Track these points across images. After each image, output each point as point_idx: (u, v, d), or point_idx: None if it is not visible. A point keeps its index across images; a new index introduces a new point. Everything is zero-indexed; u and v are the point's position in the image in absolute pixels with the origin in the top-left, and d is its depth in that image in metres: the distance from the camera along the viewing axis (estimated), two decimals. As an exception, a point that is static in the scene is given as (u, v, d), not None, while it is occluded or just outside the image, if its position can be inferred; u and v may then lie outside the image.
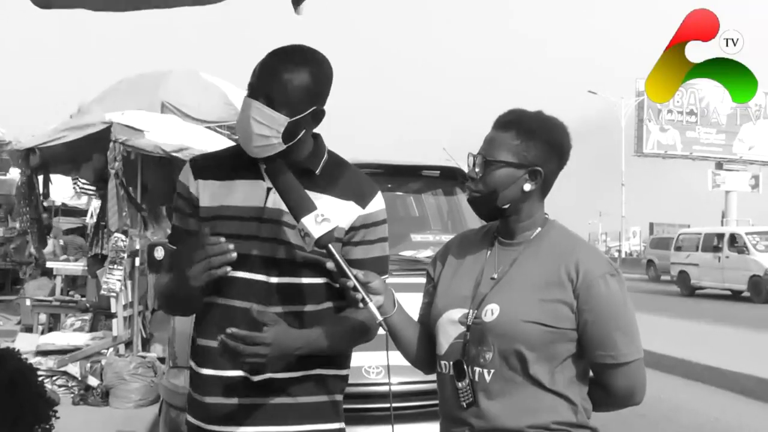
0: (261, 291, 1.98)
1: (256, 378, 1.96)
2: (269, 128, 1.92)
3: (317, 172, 2.04)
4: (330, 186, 2.03)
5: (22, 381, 2.28)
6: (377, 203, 2.07)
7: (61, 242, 11.06)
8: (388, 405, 3.03)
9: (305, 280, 2.01)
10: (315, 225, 1.85)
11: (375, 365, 3.24)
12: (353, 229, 2.03)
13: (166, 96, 9.03)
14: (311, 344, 1.94)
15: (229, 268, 1.87)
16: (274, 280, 1.99)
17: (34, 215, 8.03)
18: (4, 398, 2.19)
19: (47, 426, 2.38)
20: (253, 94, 1.94)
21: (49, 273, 10.00)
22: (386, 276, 2.08)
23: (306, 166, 2.03)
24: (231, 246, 1.86)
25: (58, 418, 2.46)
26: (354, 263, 1.96)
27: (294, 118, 1.92)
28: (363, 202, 2.04)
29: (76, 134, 7.39)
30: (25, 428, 2.28)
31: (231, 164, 2.07)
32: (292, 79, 1.91)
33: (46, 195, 8.53)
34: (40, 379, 2.38)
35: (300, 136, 1.97)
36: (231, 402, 2.00)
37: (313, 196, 1.93)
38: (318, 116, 1.99)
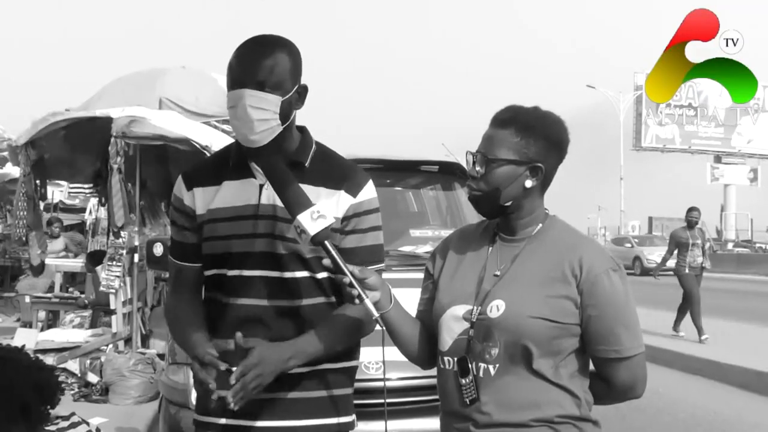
0: (263, 287, 2.00)
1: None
2: (267, 111, 1.95)
3: (306, 164, 2.06)
4: (320, 177, 2.04)
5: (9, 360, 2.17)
6: (368, 192, 2.08)
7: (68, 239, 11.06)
8: (386, 401, 3.05)
9: (305, 275, 2.02)
10: (311, 222, 1.85)
11: (374, 361, 3.23)
12: (346, 218, 2.04)
13: (164, 92, 9.01)
14: (300, 351, 1.95)
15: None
16: (275, 275, 2.00)
17: (32, 219, 7.95)
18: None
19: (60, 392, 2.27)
20: (240, 85, 1.95)
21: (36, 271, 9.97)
22: (382, 264, 2.09)
23: (295, 159, 2.05)
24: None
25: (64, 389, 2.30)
26: (347, 252, 1.97)
27: (286, 97, 1.97)
28: (354, 191, 2.06)
29: (75, 116, 7.30)
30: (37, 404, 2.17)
31: (220, 168, 2.10)
32: (274, 61, 1.96)
33: (44, 196, 8.46)
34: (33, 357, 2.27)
35: (292, 117, 2.02)
36: None
37: (305, 188, 1.94)
38: (303, 93, 2.04)
